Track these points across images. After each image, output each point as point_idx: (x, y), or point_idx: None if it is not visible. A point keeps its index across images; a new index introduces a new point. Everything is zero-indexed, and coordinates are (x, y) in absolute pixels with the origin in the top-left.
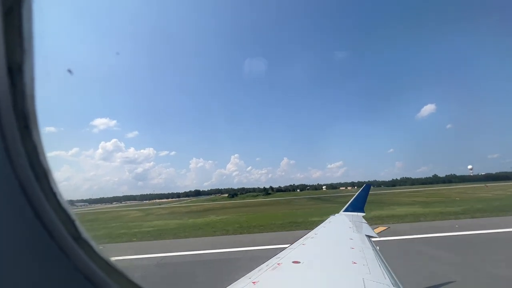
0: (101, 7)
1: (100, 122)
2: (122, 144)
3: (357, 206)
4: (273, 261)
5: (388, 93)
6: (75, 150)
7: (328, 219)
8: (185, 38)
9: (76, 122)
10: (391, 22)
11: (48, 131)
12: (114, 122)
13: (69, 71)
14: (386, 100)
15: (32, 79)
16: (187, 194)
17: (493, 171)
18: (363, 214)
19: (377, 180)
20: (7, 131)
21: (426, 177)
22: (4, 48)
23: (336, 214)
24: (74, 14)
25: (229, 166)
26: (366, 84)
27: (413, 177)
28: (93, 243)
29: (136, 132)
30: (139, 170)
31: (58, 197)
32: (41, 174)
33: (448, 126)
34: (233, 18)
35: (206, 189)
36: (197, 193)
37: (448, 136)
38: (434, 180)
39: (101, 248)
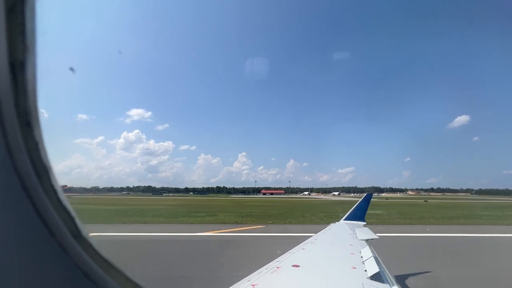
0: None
1: (136, 113)
2: (144, 136)
3: (358, 215)
4: (272, 264)
5: (424, 100)
6: (100, 138)
7: (329, 226)
8: (206, 36)
9: (111, 111)
10: (430, 23)
11: (80, 118)
12: (149, 113)
13: (71, 69)
14: (418, 108)
15: (34, 77)
16: (244, 190)
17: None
18: (364, 223)
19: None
20: (9, 128)
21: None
22: (7, 45)
23: (337, 222)
24: (80, 10)
25: (236, 164)
26: (396, 90)
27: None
28: (92, 241)
29: (166, 125)
30: (154, 162)
31: (59, 194)
32: (42, 171)
33: (475, 138)
34: (245, 17)
35: (213, 186)
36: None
37: (472, 148)
38: None
39: (100, 246)
